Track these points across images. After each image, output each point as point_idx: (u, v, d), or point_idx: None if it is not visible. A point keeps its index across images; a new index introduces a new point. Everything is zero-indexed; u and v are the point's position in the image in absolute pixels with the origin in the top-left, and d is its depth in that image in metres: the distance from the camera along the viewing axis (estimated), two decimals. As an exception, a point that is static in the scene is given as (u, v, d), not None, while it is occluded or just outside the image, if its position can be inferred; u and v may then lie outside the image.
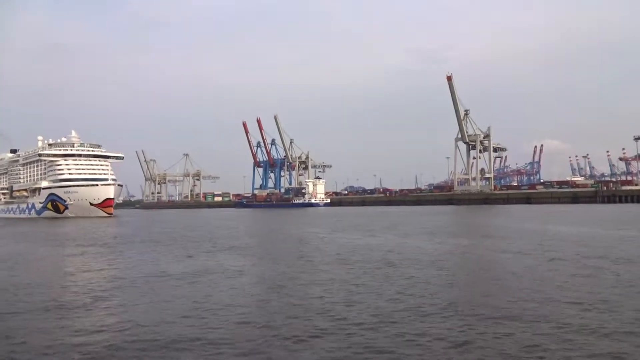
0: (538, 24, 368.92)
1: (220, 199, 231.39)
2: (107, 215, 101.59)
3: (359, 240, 34.56)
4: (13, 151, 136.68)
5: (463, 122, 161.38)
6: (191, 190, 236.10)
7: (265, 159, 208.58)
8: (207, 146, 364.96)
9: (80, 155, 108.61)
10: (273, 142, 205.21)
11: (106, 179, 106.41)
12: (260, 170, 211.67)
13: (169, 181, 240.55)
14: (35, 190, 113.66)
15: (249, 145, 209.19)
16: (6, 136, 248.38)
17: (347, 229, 48.58)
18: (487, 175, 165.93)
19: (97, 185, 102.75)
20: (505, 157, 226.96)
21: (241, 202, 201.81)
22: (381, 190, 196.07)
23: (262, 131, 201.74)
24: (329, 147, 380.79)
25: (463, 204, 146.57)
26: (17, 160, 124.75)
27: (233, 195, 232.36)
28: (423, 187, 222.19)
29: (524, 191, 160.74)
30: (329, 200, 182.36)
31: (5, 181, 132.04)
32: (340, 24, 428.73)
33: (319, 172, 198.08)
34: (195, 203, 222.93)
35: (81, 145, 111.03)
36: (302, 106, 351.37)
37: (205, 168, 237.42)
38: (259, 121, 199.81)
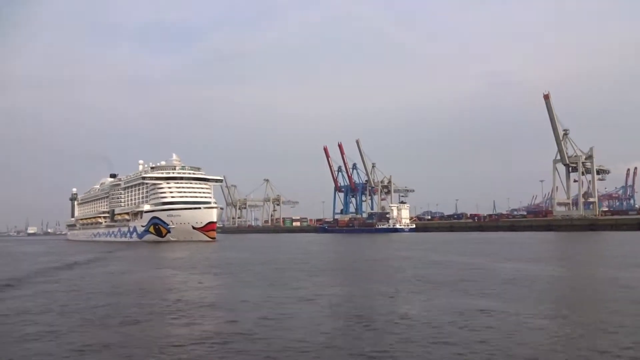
0: (611, 44, 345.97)
1: (298, 224, 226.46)
2: (209, 239, 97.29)
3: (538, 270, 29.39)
4: (112, 176, 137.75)
5: (562, 143, 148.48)
6: (271, 215, 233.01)
7: (346, 184, 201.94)
8: (285, 172, 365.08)
9: (182, 178, 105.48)
10: (354, 166, 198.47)
11: (208, 202, 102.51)
12: (341, 195, 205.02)
13: (249, 206, 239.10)
14: (137, 214, 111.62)
15: (330, 169, 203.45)
16: (109, 161, 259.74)
17: (491, 254, 41.15)
18: (591, 200, 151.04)
19: (200, 208, 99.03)
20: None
21: (322, 227, 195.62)
22: (468, 215, 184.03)
23: (344, 155, 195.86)
24: (406, 171, 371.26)
25: (564, 231, 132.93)
26: (119, 184, 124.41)
27: (311, 220, 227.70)
28: (505, 212, 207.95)
29: (635, 217, 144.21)
30: (414, 226, 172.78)
31: (107, 205, 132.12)
32: (414, 50, 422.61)
33: (402, 196, 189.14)
34: (275, 228, 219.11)
35: (182, 168, 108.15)
36: (380, 131, 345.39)
37: (283, 193, 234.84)
38: (340, 146, 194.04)
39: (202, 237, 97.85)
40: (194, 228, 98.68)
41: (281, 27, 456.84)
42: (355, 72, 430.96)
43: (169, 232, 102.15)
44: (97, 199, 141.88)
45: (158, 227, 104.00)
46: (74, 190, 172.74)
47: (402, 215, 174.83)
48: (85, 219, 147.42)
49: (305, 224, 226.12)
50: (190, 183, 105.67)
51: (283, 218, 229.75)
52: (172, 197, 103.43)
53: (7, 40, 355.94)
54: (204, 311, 17.01)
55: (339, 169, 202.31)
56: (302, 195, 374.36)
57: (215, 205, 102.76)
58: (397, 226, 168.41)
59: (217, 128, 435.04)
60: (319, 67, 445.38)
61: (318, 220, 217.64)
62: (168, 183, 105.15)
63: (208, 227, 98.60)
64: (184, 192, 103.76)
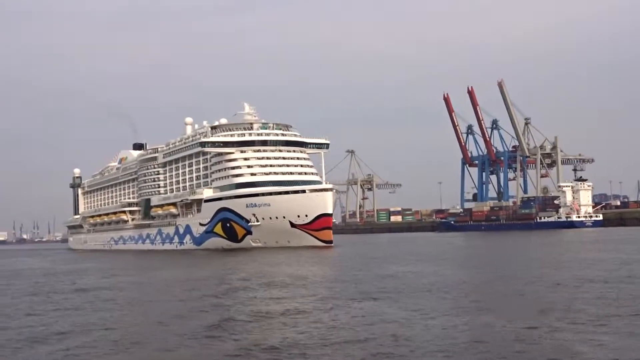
0: None
1: (399, 218, 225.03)
2: (323, 244, 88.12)
3: None
4: (138, 147, 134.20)
5: None
6: (360, 206, 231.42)
7: (481, 153, 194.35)
8: (375, 138, 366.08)
9: (266, 143, 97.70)
10: (495, 124, 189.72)
11: (316, 182, 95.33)
12: (474, 170, 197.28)
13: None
14: (192, 205, 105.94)
15: (454, 131, 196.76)
16: (133, 123, 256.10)
17: None
18: None
19: (304, 191, 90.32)
20: None
21: (446, 223, 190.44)
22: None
23: (477, 107, 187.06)
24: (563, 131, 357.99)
25: None
26: (154, 158, 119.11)
27: (417, 212, 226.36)
28: None
29: None
30: (599, 217, 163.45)
31: (133, 192, 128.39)
32: None
33: (578, 170, 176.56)
34: (368, 225, 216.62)
35: (264, 126, 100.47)
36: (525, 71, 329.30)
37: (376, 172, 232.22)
38: (471, 92, 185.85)
39: (310, 240, 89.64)
40: (292, 225, 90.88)
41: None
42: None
43: (248, 232, 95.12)
44: (116, 184, 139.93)
45: (230, 225, 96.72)
46: (77, 171, 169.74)
47: (582, 201, 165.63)
48: (99, 215, 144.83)
49: (410, 218, 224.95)
50: (280, 151, 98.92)
51: (377, 210, 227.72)
52: (252, 174, 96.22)
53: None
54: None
55: (469, 130, 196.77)
56: (403, 174, 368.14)
57: (328, 185, 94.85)
58: (574, 218, 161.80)
59: (261, 70, 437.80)
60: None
61: (438, 211, 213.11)
62: (243, 152, 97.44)
63: (319, 224, 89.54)
64: (272, 165, 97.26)
